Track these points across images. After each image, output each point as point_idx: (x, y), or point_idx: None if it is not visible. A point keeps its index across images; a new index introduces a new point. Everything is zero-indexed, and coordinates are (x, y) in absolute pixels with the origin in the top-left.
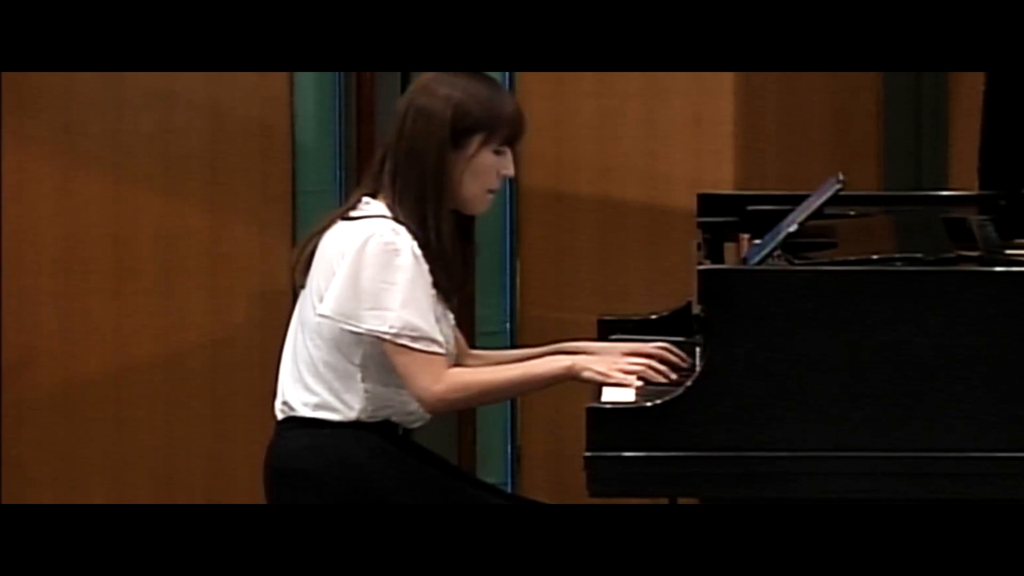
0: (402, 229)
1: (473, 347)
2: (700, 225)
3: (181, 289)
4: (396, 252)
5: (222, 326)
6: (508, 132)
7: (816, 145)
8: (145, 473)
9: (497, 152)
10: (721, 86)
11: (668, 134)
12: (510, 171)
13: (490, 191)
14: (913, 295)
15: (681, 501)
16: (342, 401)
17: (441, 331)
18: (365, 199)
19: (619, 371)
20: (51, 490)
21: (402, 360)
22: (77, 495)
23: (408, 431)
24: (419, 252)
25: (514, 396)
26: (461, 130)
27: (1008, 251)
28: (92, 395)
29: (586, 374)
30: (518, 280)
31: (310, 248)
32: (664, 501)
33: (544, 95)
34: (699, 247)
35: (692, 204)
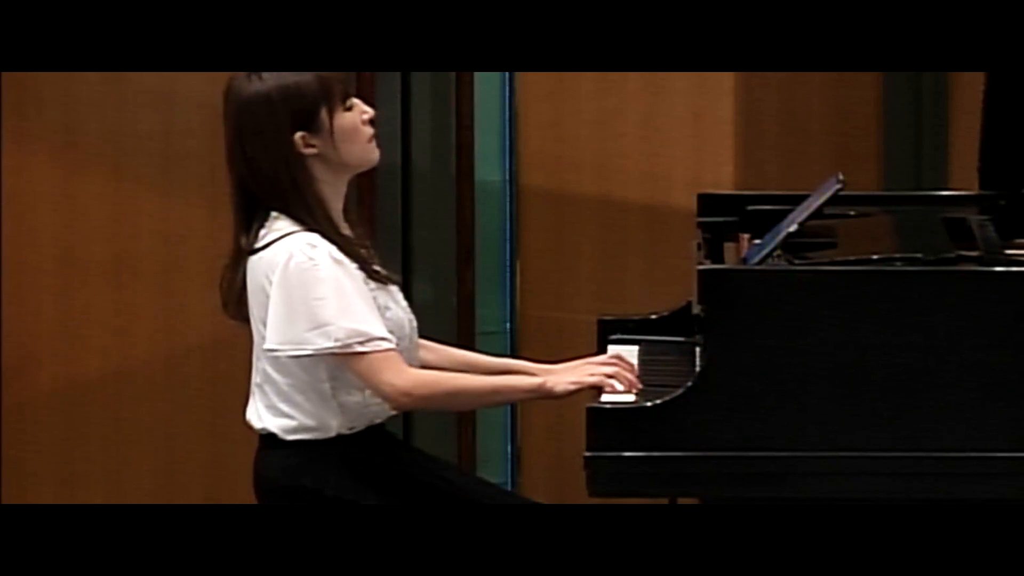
0: (315, 237)
1: (473, 347)
2: (700, 225)
3: (181, 289)
4: (316, 266)
5: (222, 326)
6: (341, 88)
7: (816, 145)
8: (145, 473)
9: (346, 109)
10: (721, 86)
11: (668, 134)
12: (370, 111)
13: (369, 140)
14: (913, 295)
15: (681, 501)
16: (317, 420)
17: (393, 316)
18: (274, 213)
19: (589, 375)
20: (51, 490)
21: (358, 365)
22: (77, 495)
23: (408, 432)
24: (338, 255)
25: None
26: (304, 115)
27: (1008, 251)
28: (92, 395)
29: (560, 387)
30: (518, 280)
31: (238, 282)
32: (664, 501)
33: (544, 95)
34: (699, 247)
35: (692, 204)
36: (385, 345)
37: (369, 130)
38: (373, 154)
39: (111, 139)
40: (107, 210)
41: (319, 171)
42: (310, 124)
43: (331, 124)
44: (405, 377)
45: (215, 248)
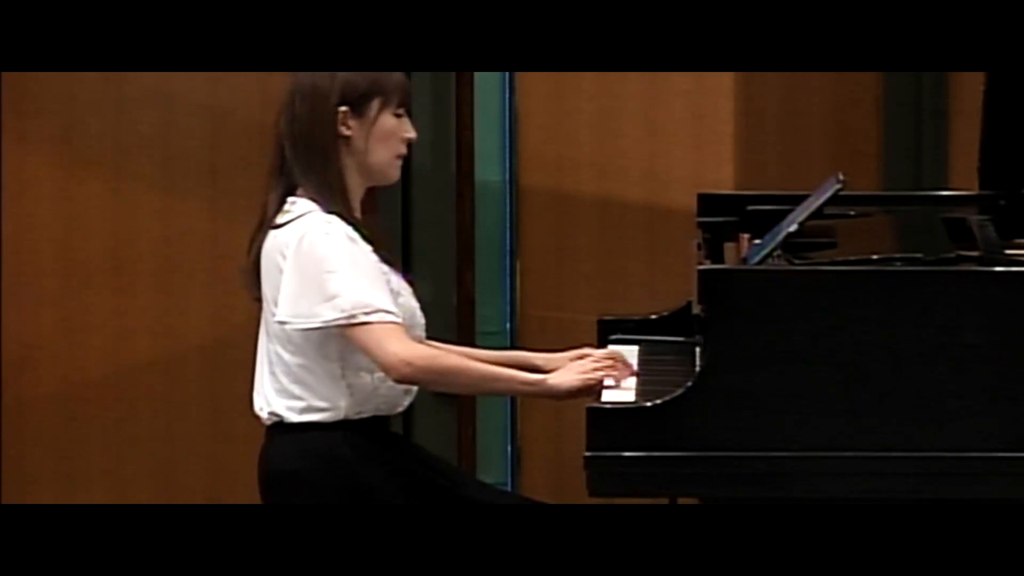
0: (333, 218)
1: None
2: (700, 225)
3: (181, 289)
4: (330, 242)
5: (222, 326)
6: (402, 95)
7: (816, 145)
8: (145, 473)
9: (396, 115)
10: (721, 86)
11: (668, 134)
12: (412, 133)
13: (398, 156)
14: (913, 295)
15: (681, 501)
16: (327, 402)
17: (405, 304)
18: (290, 199)
19: (592, 371)
20: (51, 490)
21: (363, 336)
22: (77, 495)
23: (407, 431)
24: (354, 235)
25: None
26: (357, 97)
27: (1008, 251)
28: (92, 395)
29: (562, 387)
30: (518, 280)
31: (252, 258)
32: (664, 501)
33: (544, 95)
34: (699, 247)
35: (692, 204)
36: (390, 317)
37: (402, 148)
38: (394, 170)
39: (111, 139)
40: (107, 210)
41: (345, 158)
42: (357, 105)
43: (376, 117)
44: (408, 347)
45: (215, 248)
